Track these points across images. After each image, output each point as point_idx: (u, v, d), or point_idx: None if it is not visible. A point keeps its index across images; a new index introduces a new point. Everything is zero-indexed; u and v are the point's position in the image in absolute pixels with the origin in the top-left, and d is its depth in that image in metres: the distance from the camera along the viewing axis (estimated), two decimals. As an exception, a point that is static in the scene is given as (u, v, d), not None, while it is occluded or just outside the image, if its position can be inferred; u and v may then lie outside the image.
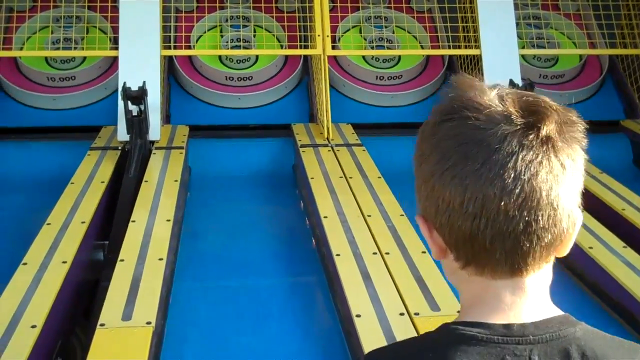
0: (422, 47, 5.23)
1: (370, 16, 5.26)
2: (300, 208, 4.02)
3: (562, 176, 0.91)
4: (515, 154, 0.89)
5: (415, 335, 2.32)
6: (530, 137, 0.90)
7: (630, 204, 3.58)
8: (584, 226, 3.23)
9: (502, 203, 0.89)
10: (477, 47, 4.77)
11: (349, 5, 5.17)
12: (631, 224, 3.40)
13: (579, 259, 3.08)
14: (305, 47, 4.85)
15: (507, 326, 0.93)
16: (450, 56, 5.22)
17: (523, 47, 5.12)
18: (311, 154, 4.26)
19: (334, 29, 5.03)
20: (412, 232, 3.14)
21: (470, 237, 0.91)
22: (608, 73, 5.39)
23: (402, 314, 2.47)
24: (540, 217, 0.90)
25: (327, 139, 4.50)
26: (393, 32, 5.26)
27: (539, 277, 0.96)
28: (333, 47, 4.87)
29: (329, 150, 4.32)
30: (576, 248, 2.86)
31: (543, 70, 5.32)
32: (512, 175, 0.88)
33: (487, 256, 0.92)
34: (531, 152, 0.90)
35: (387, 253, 2.93)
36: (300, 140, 4.49)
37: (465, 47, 4.90)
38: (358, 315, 2.47)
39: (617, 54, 5.24)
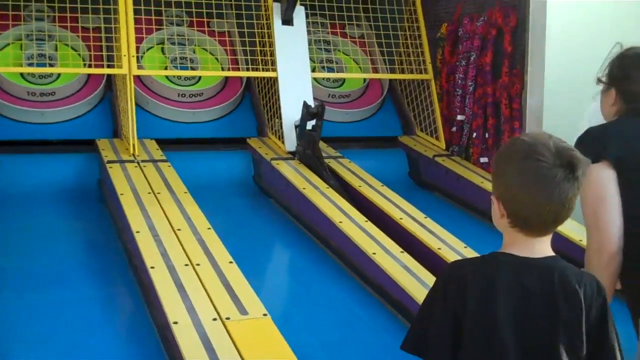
0: (222, 68, 5.54)
1: (174, 35, 5.49)
2: (108, 223, 4.18)
3: (575, 195, 1.72)
4: (556, 183, 1.69)
5: (229, 339, 2.64)
6: (565, 174, 1.70)
7: (406, 213, 4.12)
8: (368, 234, 3.72)
9: (543, 203, 1.70)
10: (274, 69, 5.18)
11: (153, 25, 5.39)
12: (407, 231, 3.92)
13: (363, 263, 3.54)
14: (110, 64, 5.00)
15: (525, 258, 1.76)
16: (249, 77, 5.59)
17: (314, 70, 5.60)
18: (118, 170, 4.44)
19: (136, 47, 5.20)
20: (219, 243, 3.44)
21: (525, 218, 1.74)
22: (388, 93, 6.03)
23: (214, 319, 2.76)
24: (560, 212, 1.73)
25: (133, 155, 4.69)
26: (195, 52, 5.53)
27: (548, 236, 1.79)
28: (138, 67, 5.06)
29: (136, 166, 4.52)
30: (361, 253, 3.31)
31: (332, 90, 5.83)
32: (550, 191, 1.69)
33: (528, 226, 1.74)
34: (563, 182, 1.70)
35: (198, 264, 3.21)
36: (106, 156, 4.64)
37: (263, 69, 5.29)
38: (175, 323, 2.73)
39: (395, 78, 5.87)
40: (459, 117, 5.24)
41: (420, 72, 5.64)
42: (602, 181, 2.38)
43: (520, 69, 4.75)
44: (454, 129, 5.33)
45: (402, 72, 5.71)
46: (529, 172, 1.72)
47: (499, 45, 4.93)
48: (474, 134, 5.13)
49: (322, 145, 5.08)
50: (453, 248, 3.67)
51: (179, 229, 3.58)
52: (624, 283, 2.42)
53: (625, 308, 2.45)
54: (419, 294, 3.11)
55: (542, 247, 1.78)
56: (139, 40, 5.23)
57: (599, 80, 2.68)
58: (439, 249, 3.66)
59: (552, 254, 1.80)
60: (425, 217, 4.06)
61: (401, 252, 3.54)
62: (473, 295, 1.74)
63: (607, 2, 5.98)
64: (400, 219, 4.04)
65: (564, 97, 5.82)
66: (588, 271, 1.96)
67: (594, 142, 2.42)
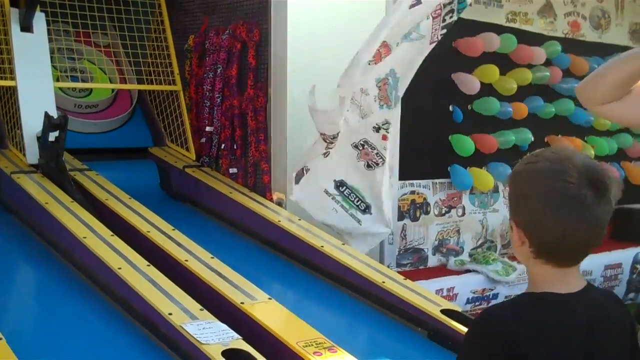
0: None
1: None
2: None
3: (606, 220, 1.59)
4: (585, 206, 1.55)
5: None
6: (596, 197, 1.56)
7: (154, 225, 4.11)
8: (114, 248, 3.66)
9: (576, 231, 1.57)
10: (13, 78, 4.92)
11: None
12: (155, 244, 3.92)
13: (109, 278, 3.49)
14: None
15: (565, 295, 1.63)
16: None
17: (58, 79, 5.40)
18: None
19: None
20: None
21: (552, 247, 1.60)
22: (138, 104, 5.97)
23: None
24: (591, 240, 1.60)
25: None
26: None
27: (578, 266, 1.66)
28: None
29: None
30: (106, 268, 3.25)
31: (78, 100, 5.66)
32: (579, 216, 1.55)
33: (556, 257, 1.61)
34: (594, 206, 1.56)
35: None
36: None
37: (1, 78, 5.01)
38: None
39: (144, 89, 5.83)
40: (208, 129, 5.33)
41: (169, 83, 5.65)
42: None
43: (264, 83, 4.93)
44: (204, 140, 5.40)
45: (151, 82, 5.68)
46: (555, 194, 1.56)
47: (244, 59, 5.07)
48: (223, 145, 5.24)
49: (68, 157, 4.91)
50: (200, 259, 3.73)
51: None
52: None
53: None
54: (165, 307, 3.12)
55: (575, 279, 1.66)
56: None
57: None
58: (186, 260, 3.71)
59: (585, 283, 1.69)
60: (174, 229, 4.08)
61: (147, 265, 3.52)
62: (531, 345, 1.55)
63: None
64: (148, 232, 4.02)
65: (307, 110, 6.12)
66: None
67: None
